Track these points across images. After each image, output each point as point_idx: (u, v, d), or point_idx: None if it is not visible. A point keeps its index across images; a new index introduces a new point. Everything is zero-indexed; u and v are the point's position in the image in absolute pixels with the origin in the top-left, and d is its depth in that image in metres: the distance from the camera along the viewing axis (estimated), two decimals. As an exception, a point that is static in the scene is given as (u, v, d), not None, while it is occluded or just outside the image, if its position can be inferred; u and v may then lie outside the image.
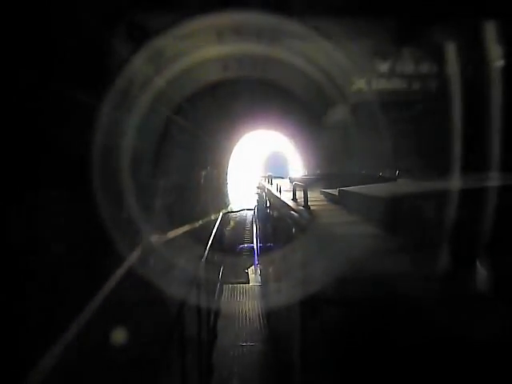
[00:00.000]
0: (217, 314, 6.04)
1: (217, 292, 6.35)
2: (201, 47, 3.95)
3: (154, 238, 5.16)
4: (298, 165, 14.25)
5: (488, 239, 1.00)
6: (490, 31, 2.52)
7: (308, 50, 4.44)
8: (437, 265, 1.02)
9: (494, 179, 1.77)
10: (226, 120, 9.77)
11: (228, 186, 14.59)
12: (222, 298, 7.18)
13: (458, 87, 2.96)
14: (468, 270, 0.85)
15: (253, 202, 9.92)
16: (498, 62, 2.53)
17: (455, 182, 1.94)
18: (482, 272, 0.78)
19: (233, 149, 14.45)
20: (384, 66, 4.13)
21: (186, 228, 7.45)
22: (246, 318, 6.28)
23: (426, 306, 0.78)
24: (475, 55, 2.70)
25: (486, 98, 2.45)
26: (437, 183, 2.00)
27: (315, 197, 2.74)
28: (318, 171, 10.72)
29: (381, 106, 5.09)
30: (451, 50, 2.95)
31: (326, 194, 2.66)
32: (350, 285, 1.25)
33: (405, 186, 2.40)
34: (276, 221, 3.83)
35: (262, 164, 16.46)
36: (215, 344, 5.26)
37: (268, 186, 4.86)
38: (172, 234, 6.29)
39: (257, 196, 7.17)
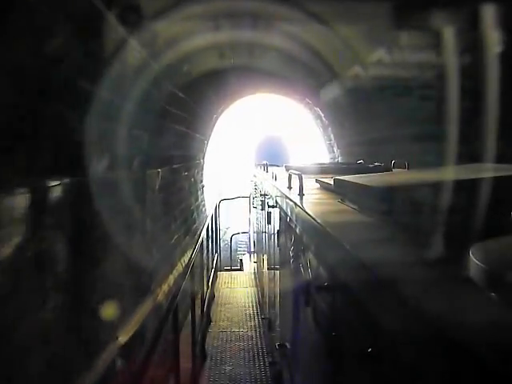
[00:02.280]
0: (211, 300, 6.08)
1: (211, 279, 6.39)
2: (196, 31, 3.88)
3: None
4: (314, 147, 9.42)
5: (481, 229, 1.01)
6: (489, 16, 2.48)
7: (303, 35, 4.36)
8: (429, 253, 1.03)
9: (489, 169, 1.78)
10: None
11: (203, 191, 8.29)
12: (216, 284, 7.23)
13: (455, 74, 2.93)
14: (460, 257, 0.86)
15: (248, 190, 9.08)
16: (496, 48, 2.49)
17: (450, 172, 1.95)
18: (474, 260, 0.79)
19: (212, 127, 8.41)
20: (380, 52, 4.06)
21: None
22: (238, 305, 6.33)
23: (415, 290, 0.79)
24: (474, 41, 2.66)
25: (484, 85, 2.43)
26: (432, 173, 2.00)
27: (311, 185, 2.74)
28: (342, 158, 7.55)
29: (377, 91, 5.01)
30: (449, 36, 2.90)
31: (322, 183, 2.66)
32: (342, 271, 1.26)
33: (400, 176, 2.41)
34: (271, 208, 3.84)
35: (254, 150, 11.60)
36: (209, 329, 5.30)
37: (263, 173, 4.86)
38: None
39: (253, 184, 7.16)
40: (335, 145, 8.32)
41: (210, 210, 7.76)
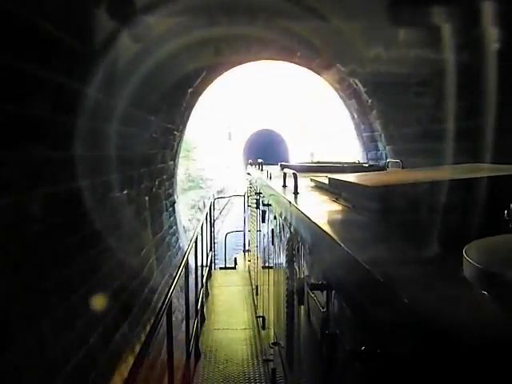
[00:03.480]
0: (205, 298, 6.08)
1: (205, 277, 6.38)
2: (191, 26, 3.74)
3: None
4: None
5: (475, 228, 1.02)
6: (488, 13, 2.43)
7: (302, 30, 4.15)
8: (423, 252, 1.04)
9: (483, 169, 1.79)
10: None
11: (174, 210, 5.69)
12: (211, 283, 7.22)
13: (453, 71, 2.88)
14: (454, 256, 0.86)
15: (242, 189, 8.87)
16: (495, 45, 2.44)
17: (444, 172, 1.96)
18: (467, 259, 0.79)
19: (188, 108, 5.58)
20: (379, 48, 3.94)
21: None
22: (232, 304, 6.33)
23: (409, 289, 0.79)
24: (472, 38, 2.62)
25: (483, 82, 2.41)
26: (426, 172, 2.01)
27: (306, 184, 2.74)
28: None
29: (375, 88, 4.83)
30: (447, 32, 2.84)
31: (317, 182, 2.67)
32: (336, 270, 1.26)
33: (394, 175, 2.41)
34: (265, 207, 3.84)
35: (246, 145, 9.23)
36: (203, 327, 5.30)
37: (258, 172, 4.86)
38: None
39: (247, 182, 7.16)
40: (382, 138, 5.48)
41: (193, 232, 5.32)
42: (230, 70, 5.80)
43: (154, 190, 4.63)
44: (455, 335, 0.61)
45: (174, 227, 5.44)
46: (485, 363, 0.56)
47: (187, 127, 5.92)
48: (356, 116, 6.16)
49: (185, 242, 5.44)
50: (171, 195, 5.41)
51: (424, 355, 0.68)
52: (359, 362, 1.06)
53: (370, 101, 5.42)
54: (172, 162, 5.39)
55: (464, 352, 0.58)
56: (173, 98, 4.91)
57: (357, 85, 5.37)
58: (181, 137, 5.63)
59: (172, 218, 5.40)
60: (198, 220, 6.17)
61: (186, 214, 24.47)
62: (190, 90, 5.30)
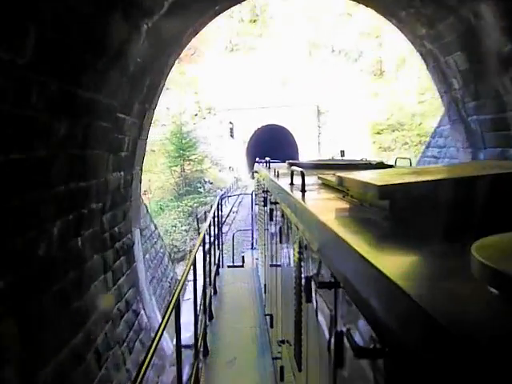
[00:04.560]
0: (213, 296, 6.10)
1: (213, 275, 6.40)
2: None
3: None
4: None
5: (483, 226, 1.01)
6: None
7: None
8: (431, 249, 1.04)
9: (490, 166, 1.77)
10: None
11: (132, 267, 4.10)
12: (219, 281, 7.23)
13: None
14: (462, 254, 0.86)
15: (250, 187, 8.94)
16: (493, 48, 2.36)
17: (452, 169, 1.95)
18: (476, 257, 0.79)
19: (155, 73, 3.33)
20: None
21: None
22: (240, 302, 6.34)
23: (418, 286, 0.79)
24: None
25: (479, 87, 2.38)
26: (434, 170, 2.00)
27: (313, 182, 2.74)
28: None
29: None
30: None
31: (324, 180, 2.66)
32: (344, 268, 1.26)
33: (402, 172, 2.40)
34: (273, 205, 3.84)
35: (247, 143, 8.49)
36: (211, 325, 5.32)
37: (265, 170, 4.86)
38: None
39: (255, 181, 7.17)
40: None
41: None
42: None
43: (41, 249, 2.32)
44: (463, 333, 0.61)
45: (131, 294, 3.13)
46: (493, 362, 0.56)
47: (155, 110, 3.38)
48: (458, 85, 3.51)
49: (156, 314, 3.32)
50: (122, 235, 3.17)
51: (432, 353, 0.67)
52: (367, 360, 1.06)
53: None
54: (120, 174, 3.10)
55: (472, 350, 0.58)
56: (86, 28, 2.40)
57: (477, 16, 2.81)
58: (141, 127, 3.23)
59: (122, 280, 3.11)
60: (196, 230, 5.72)
61: (183, 223, 23.42)
62: (144, 27, 2.73)
